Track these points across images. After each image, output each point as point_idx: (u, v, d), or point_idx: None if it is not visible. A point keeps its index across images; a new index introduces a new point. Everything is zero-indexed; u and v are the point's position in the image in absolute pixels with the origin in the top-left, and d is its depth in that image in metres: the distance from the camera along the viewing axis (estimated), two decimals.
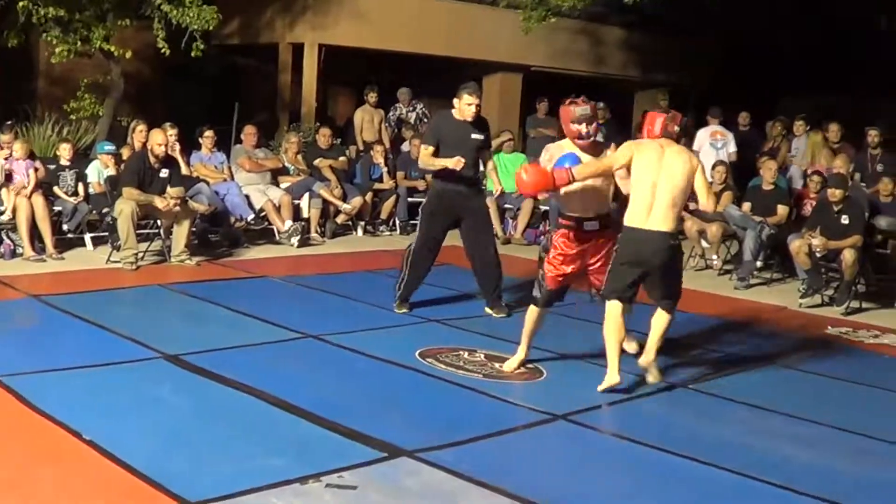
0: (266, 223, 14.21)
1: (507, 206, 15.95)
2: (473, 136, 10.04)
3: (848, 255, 11.48)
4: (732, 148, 16.82)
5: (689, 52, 23.79)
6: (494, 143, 16.41)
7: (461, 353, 8.59)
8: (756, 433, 7.23)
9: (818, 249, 11.66)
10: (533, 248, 14.71)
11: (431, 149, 10.07)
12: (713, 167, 14.43)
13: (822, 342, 10.15)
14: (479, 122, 10.19)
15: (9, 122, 13.58)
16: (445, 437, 6.53)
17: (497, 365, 8.31)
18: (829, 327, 10.73)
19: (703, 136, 16.92)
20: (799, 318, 11.01)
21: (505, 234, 15.57)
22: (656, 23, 22.66)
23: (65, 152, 13.17)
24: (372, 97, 17.59)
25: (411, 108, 18.33)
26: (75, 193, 13.01)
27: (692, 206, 14.04)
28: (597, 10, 20.84)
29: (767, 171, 13.66)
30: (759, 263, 13.17)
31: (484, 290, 10.40)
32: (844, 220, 11.78)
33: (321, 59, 19.82)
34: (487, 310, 10.27)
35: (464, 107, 10.02)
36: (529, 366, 8.31)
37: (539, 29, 19.02)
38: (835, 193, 11.86)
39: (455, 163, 9.78)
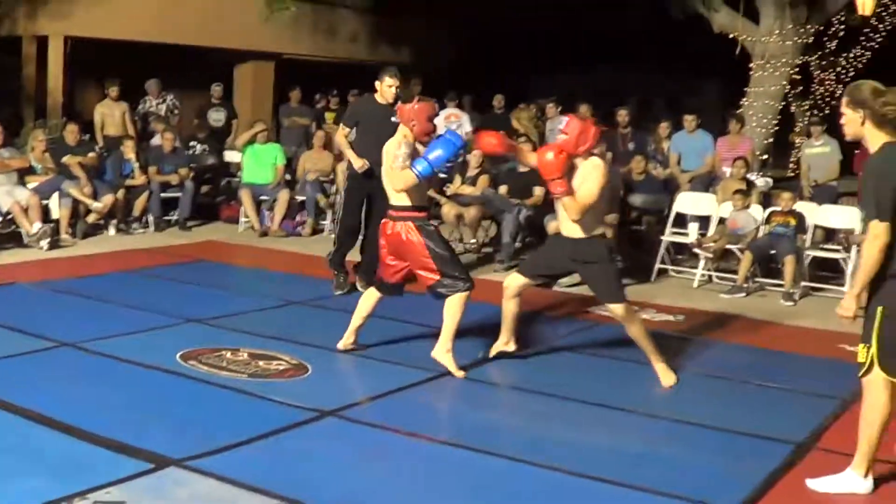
0: (13, 226, 13.74)
1: (262, 197, 15.81)
2: (394, 119, 9.85)
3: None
4: (468, 128, 17.08)
5: (437, 38, 24.01)
6: (247, 133, 16.36)
7: (224, 353, 8.45)
8: (523, 416, 7.42)
9: None
10: (291, 240, 14.71)
11: (346, 130, 10.65)
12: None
13: (582, 320, 10.38)
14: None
15: None
16: (214, 442, 6.42)
17: (262, 363, 8.25)
18: (590, 305, 10.95)
19: (439, 120, 17.09)
20: (559, 298, 11.22)
21: (262, 226, 15.44)
22: (406, 7, 22.81)
23: None
24: (113, 91, 17.06)
25: (161, 100, 17.99)
26: None
27: (449, 190, 14.24)
28: None
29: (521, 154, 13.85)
30: (517, 245, 13.38)
31: (365, 267, 10.93)
32: None
33: (67, 51, 19.29)
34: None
35: (385, 89, 10.42)
36: (294, 362, 8.27)
37: (287, 16, 18.92)
38: None
39: (360, 166, 10.51)
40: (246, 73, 22.34)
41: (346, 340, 8.62)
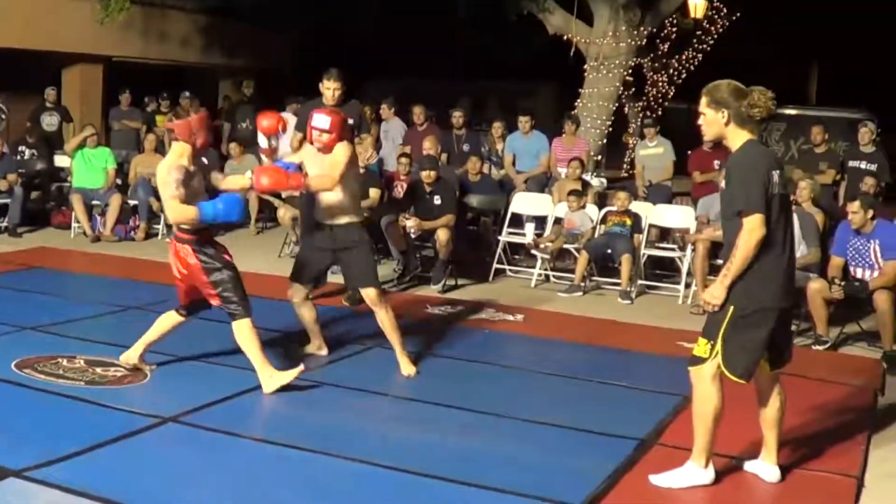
0: None
1: (94, 202, 15.52)
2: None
3: (442, 234, 11.83)
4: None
5: (271, 41, 23.90)
6: (76, 138, 16.05)
7: (60, 360, 8.28)
8: (367, 417, 7.42)
9: (413, 230, 11.95)
10: (124, 245, 14.48)
11: (299, 136, 10.39)
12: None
13: (423, 322, 10.41)
14: (346, 107, 10.34)
15: None
16: (54, 451, 6.27)
17: (99, 370, 8.10)
18: (428, 306, 11.03)
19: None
20: (398, 300, 11.23)
21: (94, 231, 15.16)
22: (235, 12, 22.64)
23: None
24: None
25: None
26: None
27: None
28: None
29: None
30: None
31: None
32: (437, 200, 12.13)
33: None
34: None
35: (324, 91, 10.40)
36: (130, 368, 8.13)
37: (118, 18, 18.61)
38: (430, 175, 12.16)
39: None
40: (74, 76, 21.89)
41: (130, 354, 8.15)
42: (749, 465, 6.53)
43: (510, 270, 13.20)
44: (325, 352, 8.80)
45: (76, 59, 21.68)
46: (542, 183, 14.76)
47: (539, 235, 13.19)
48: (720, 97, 5.98)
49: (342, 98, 10.41)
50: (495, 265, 13.00)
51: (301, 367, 7.88)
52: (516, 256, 13.71)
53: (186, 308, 8.09)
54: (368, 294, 8.42)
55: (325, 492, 5.99)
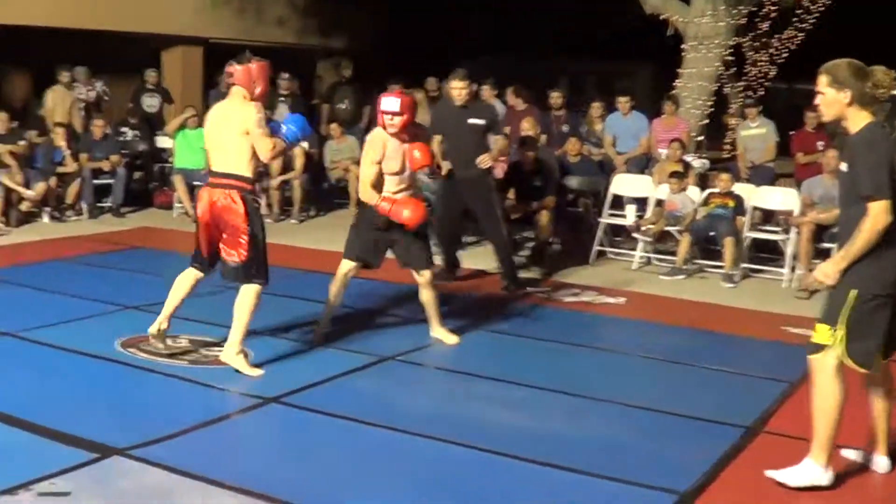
0: None
1: (196, 182, 15.61)
2: (470, 120, 10.38)
3: (543, 216, 11.76)
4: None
5: (367, 21, 23.91)
6: (177, 119, 16.20)
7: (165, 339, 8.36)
8: (467, 400, 7.36)
9: (513, 212, 11.89)
10: None
11: (437, 137, 10.48)
12: None
13: (523, 304, 10.35)
14: (477, 107, 10.54)
15: None
16: (157, 431, 6.34)
17: (202, 350, 8.17)
18: (530, 288, 10.96)
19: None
20: (498, 281, 11.18)
21: (195, 211, 15.26)
22: None
23: None
24: (64, 77, 16.91)
25: (90, 88, 17.75)
26: None
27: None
28: None
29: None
30: None
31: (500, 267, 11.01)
32: (537, 182, 12.05)
33: None
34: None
35: (452, 92, 10.41)
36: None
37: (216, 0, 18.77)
38: (527, 156, 12.09)
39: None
40: (174, 58, 22.08)
41: (159, 325, 8.01)
42: (856, 455, 6.34)
43: (611, 253, 13.08)
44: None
45: (176, 42, 21.86)
46: (643, 164, 14.63)
47: (640, 217, 13.04)
48: (843, 77, 5.74)
49: (470, 97, 10.44)
50: (596, 247, 12.88)
51: (260, 372, 7.65)
52: (617, 238, 13.57)
53: (205, 262, 7.94)
54: (424, 276, 8.51)
55: (426, 475, 5.96)
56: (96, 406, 6.87)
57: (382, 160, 8.33)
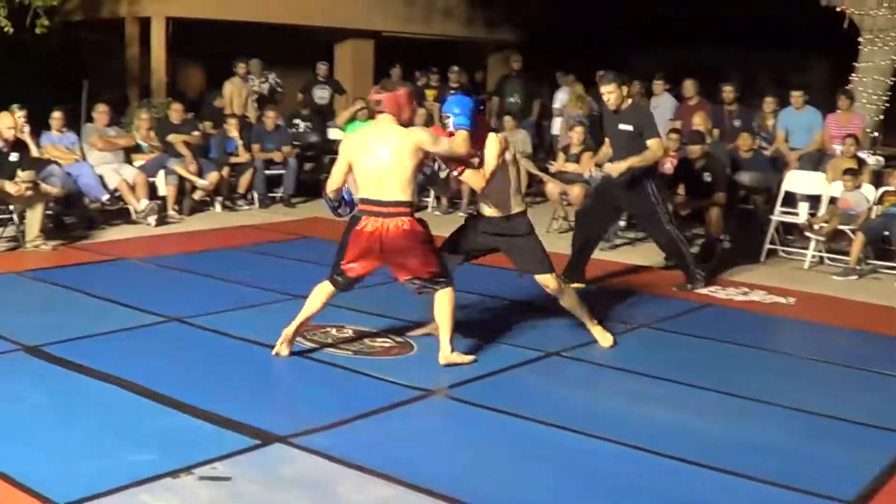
0: (121, 203, 13.91)
1: None
2: (620, 126, 10.11)
3: (713, 213, 11.58)
4: None
5: (537, 13, 23.83)
6: (347, 112, 16.38)
7: (329, 329, 8.44)
8: (631, 399, 7.25)
9: (682, 208, 11.74)
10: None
11: (608, 140, 10.46)
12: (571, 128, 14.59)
13: (690, 301, 10.21)
14: (628, 112, 10.12)
15: None
16: (319, 419, 6.41)
17: (367, 340, 8.22)
18: (691, 286, 10.79)
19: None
20: (666, 278, 11.06)
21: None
22: None
23: None
24: (241, 69, 17.26)
25: (263, 80, 18.05)
26: None
27: (552, 167, 14.13)
28: None
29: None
30: (622, 223, 13.21)
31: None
32: (707, 177, 11.87)
33: (168, 32, 19.42)
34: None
35: (601, 97, 10.23)
36: (399, 340, 8.23)
37: None
38: (694, 151, 11.92)
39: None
40: (346, 51, 22.34)
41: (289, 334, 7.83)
42: None
43: (783, 251, 12.81)
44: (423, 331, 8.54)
45: (348, 35, 22.09)
46: (816, 160, 14.29)
47: (813, 215, 12.76)
48: None
49: (621, 102, 10.06)
50: (767, 245, 12.64)
51: (473, 357, 7.83)
52: (789, 237, 13.29)
53: (350, 282, 7.77)
54: (546, 282, 8.22)
55: (583, 473, 5.89)
56: (260, 393, 6.97)
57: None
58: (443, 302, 7.61)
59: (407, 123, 7.61)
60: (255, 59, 18.00)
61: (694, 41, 24.06)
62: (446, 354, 7.62)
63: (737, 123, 14.91)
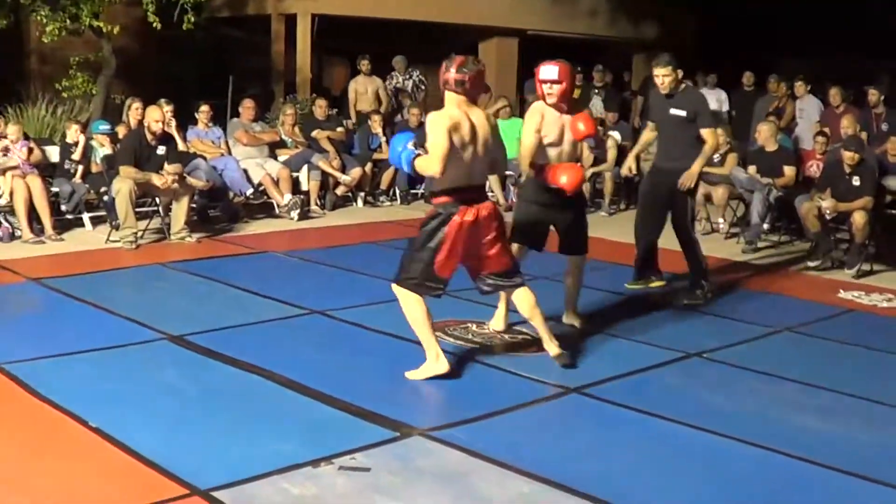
0: (265, 197, 14.09)
1: (508, 172, 15.79)
2: (672, 111, 9.59)
3: (858, 218, 11.33)
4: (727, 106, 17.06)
5: (683, 14, 23.64)
6: (490, 109, 16.36)
7: (469, 325, 8.46)
8: (772, 402, 7.11)
9: (828, 212, 11.52)
10: None
11: (651, 125, 10.19)
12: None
13: (833, 307, 10.01)
14: (682, 97, 9.61)
15: None
16: (457, 414, 6.44)
17: (507, 336, 8.23)
18: (841, 291, 10.57)
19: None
20: (809, 282, 10.88)
21: (507, 201, 15.45)
22: None
23: (72, 132, 13.01)
24: (365, 66, 17.41)
25: (407, 77, 18.18)
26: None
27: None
28: None
29: (768, 132, 13.43)
30: (766, 226, 13.01)
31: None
32: (856, 181, 11.62)
33: (314, 28, 19.64)
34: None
35: (655, 80, 9.71)
36: (539, 337, 8.18)
37: None
38: (853, 157, 11.63)
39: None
40: (490, 49, 22.38)
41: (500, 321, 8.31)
42: None
43: None
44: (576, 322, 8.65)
45: (492, 33, 22.14)
46: None
47: None
48: None
49: (676, 85, 9.55)
50: None
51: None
52: None
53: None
54: (574, 261, 8.52)
55: (722, 476, 5.79)
56: (400, 386, 6.98)
57: (541, 129, 8.06)
58: (529, 295, 7.46)
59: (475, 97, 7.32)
60: (400, 56, 18.13)
61: (840, 50, 23.68)
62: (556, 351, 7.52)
63: (884, 127, 14.59)
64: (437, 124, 7.00)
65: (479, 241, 7.13)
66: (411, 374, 7.06)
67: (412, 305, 7.08)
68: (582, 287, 8.65)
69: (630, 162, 10.57)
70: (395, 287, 7.14)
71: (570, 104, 8.12)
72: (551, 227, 8.42)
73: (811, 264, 11.61)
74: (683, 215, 9.73)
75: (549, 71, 7.95)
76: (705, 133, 9.48)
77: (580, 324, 8.58)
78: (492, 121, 7.32)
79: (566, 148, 8.14)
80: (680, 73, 9.68)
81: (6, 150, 12.23)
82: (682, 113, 9.50)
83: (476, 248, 7.16)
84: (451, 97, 7.21)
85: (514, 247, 8.05)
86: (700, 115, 9.54)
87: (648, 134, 10.24)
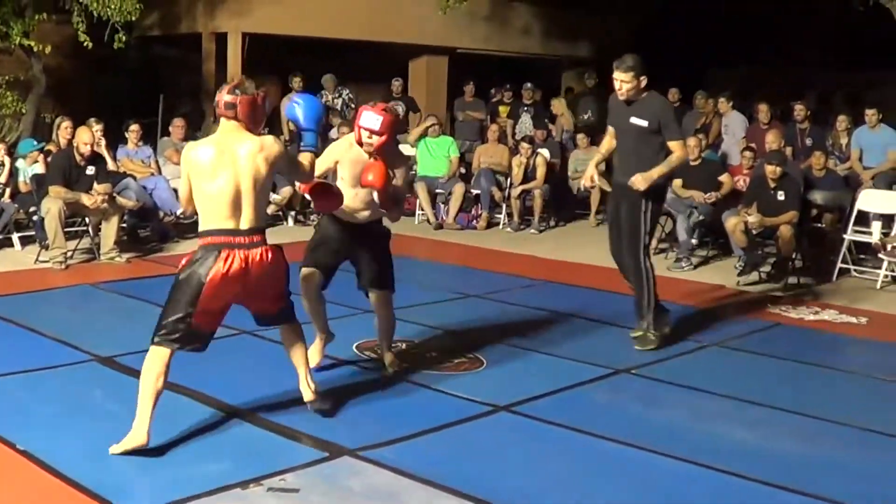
0: (195, 217, 13.99)
1: (438, 190, 15.90)
2: (632, 119, 8.64)
3: (785, 232, 11.50)
4: None
5: (613, 29, 23.80)
6: (418, 129, 16.49)
7: (400, 344, 8.47)
8: (701, 417, 7.21)
9: (754, 227, 11.67)
10: (466, 234, 14.74)
11: (611, 130, 9.04)
12: None
13: (762, 321, 10.15)
14: (644, 104, 8.65)
15: None
16: (387, 433, 6.45)
17: (435, 355, 8.26)
18: (769, 305, 10.73)
19: None
20: (737, 297, 11.03)
21: (437, 219, 15.53)
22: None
23: None
24: (298, 84, 17.42)
25: (337, 95, 18.19)
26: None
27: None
28: None
29: (695, 146, 13.44)
30: (694, 241, 13.14)
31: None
32: (780, 196, 11.79)
33: (245, 47, 19.63)
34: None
35: (615, 85, 8.71)
36: (469, 356, 8.25)
37: (462, 10, 18.95)
38: (775, 171, 11.81)
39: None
40: (420, 67, 22.46)
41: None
42: None
43: (855, 270, 12.68)
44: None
45: (422, 51, 22.20)
46: (891, 179, 14.12)
47: (886, 235, 12.63)
48: None
49: (638, 92, 8.62)
50: (839, 264, 12.52)
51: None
52: (862, 256, 13.16)
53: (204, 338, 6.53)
54: (377, 294, 7.82)
55: (653, 491, 5.86)
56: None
57: (338, 164, 7.41)
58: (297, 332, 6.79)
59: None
60: (329, 75, 18.16)
61: (770, 60, 23.98)
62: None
63: (809, 142, 14.83)
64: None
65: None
66: (114, 449, 5.97)
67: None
68: (394, 325, 8.00)
69: (591, 171, 9.18)
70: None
71: (388, 156, 7.37)
72: (346, 260, 7.80)
73: (739, 279, 11.75)
74: (633, 235, 8.71)
75: (371, 120, 7.18)
76: (674, 146, 8.56)
77: (393, 366, 7.85)
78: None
79: (363, 195, 7.43)
80: (644, 81, 8.66)
81: None
82: (644, 123, 8.56)
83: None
84: (222, 124, 6.23)
85: (304, 271, 7.68)
86: (666, 127, 8.58)
87: (609, 141, 9.10)
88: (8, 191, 12.79)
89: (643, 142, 8.58)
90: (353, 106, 18.17)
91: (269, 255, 6.20)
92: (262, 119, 6.31)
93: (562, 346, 8.68)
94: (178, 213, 13.58)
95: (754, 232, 11.77)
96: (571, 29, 23.56)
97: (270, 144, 6.16)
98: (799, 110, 15.17)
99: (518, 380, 7.75)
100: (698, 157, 13.31)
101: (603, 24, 23.73)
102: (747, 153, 13.73)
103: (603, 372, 8.07)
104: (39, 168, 12.76)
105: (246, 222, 6.12)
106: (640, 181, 8.38)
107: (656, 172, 8.42)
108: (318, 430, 6.37)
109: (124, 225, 12.66)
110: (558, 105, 18.86)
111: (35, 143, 13.45)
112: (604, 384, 7.87)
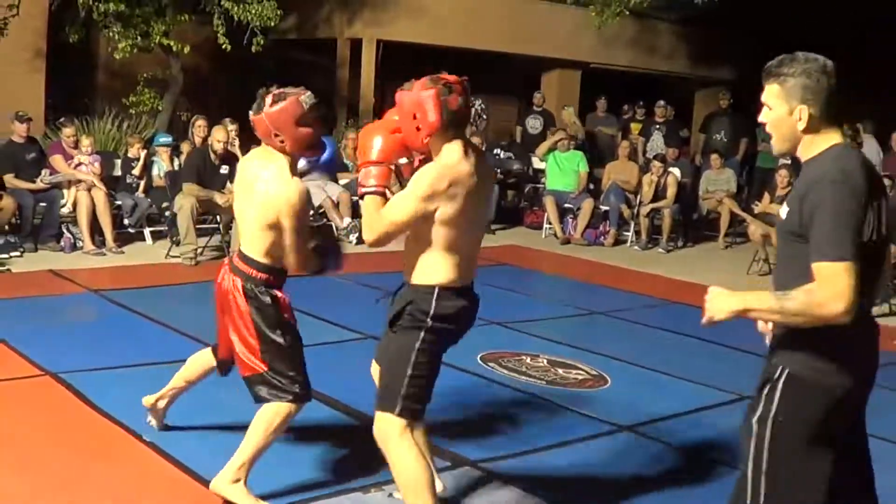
0: (325, 219, 14.15)
1: (566, 205, 15.83)
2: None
3: None
4: None
5: (747, 50, 23.55)
6: (547, 142, 16.45)
7: (523, 357, 8.46)
8: None
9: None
10: (593, 250, 14.64)
11: None
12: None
13: (891, 352, 9.88)
14: None
15: (61, 120, 13.78)
16: (508, 446, 6.44)
17: (560, 370, 8.20)
18: None
19: None
20: None
21: (564, 234, 15.46)
22: (713, 18, 22.44)
23: (134, 148, 13.21)
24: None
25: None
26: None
27: (757, 208, 13.93)
28: (655, 5, 20.66)
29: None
30: None
31: None
32: None
33: (378, 54, 19.76)
34: None
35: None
36: (594, 373, 8.18)
37: (597, 23, 18.88)
38: None
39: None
40: (552, 80, 22.40)
41: (153, 398, 6.32)
42: None
43: None
44: None
45: (555, 65, 22.15)
46: None
47: None
48: None
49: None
50: None
51: None
52: None
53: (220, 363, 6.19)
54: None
55: None
56: (452, 416, 6.93)
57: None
58: (266, 414, 5.51)
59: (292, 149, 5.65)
60: None
61: None
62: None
63: None
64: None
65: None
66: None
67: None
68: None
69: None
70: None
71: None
72: None
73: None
74: None
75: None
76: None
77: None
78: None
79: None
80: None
81: (79, 163, 12.43)
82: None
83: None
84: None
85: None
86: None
87: None
88: (142, 184, 13.01)
89: None
90: (484, 116, 18.18)
91: (239, 286, 5.50)
92: (286, 132, 5.58)
93: (686, 368, 8.56)
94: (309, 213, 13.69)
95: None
96: (705, 48, 23.33)
97: (283, 189, 5.41)
98: None
99: (642, 400, 7.66)
100: None
101: (737, 46, 23.47)
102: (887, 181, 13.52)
103: (728, 398, 7.91)
104: (165, 164, 12.98)
105: (244, 246, 5.58)
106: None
107: None
108: (439, 440, 6.33)
109: None
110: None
111: (166, 136, 13.70)
112: (728, 410, 7.73)
